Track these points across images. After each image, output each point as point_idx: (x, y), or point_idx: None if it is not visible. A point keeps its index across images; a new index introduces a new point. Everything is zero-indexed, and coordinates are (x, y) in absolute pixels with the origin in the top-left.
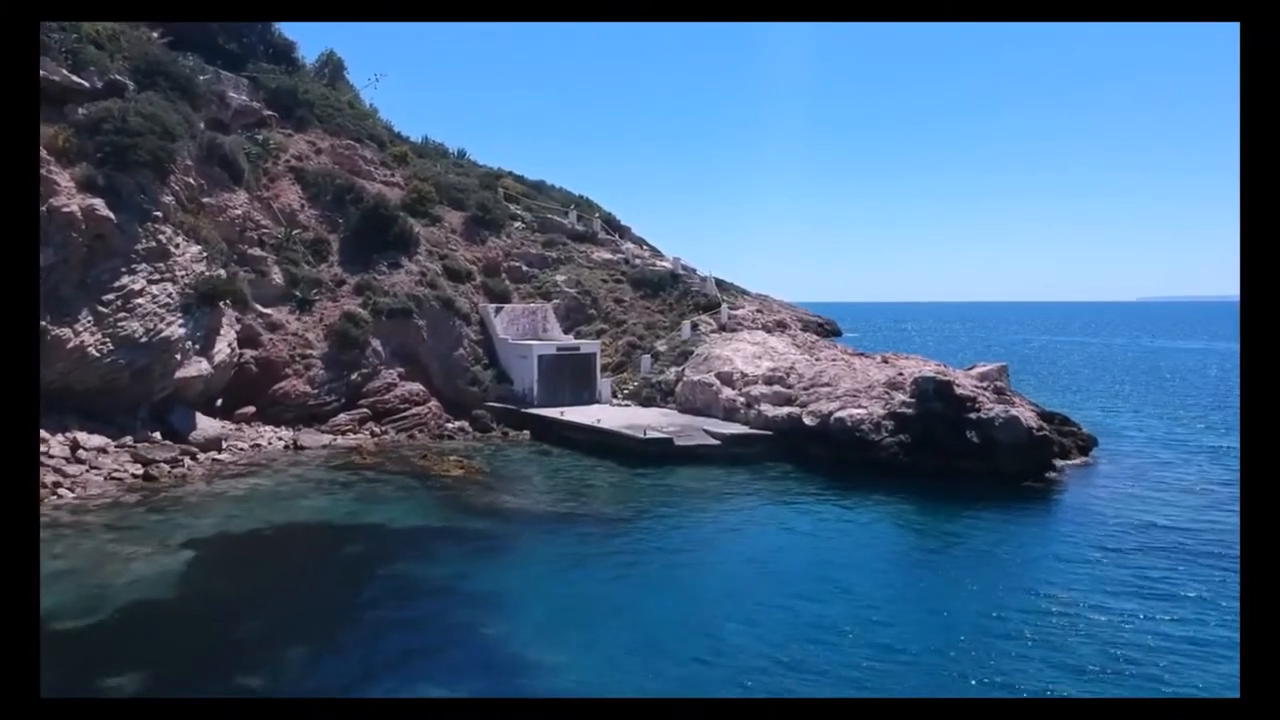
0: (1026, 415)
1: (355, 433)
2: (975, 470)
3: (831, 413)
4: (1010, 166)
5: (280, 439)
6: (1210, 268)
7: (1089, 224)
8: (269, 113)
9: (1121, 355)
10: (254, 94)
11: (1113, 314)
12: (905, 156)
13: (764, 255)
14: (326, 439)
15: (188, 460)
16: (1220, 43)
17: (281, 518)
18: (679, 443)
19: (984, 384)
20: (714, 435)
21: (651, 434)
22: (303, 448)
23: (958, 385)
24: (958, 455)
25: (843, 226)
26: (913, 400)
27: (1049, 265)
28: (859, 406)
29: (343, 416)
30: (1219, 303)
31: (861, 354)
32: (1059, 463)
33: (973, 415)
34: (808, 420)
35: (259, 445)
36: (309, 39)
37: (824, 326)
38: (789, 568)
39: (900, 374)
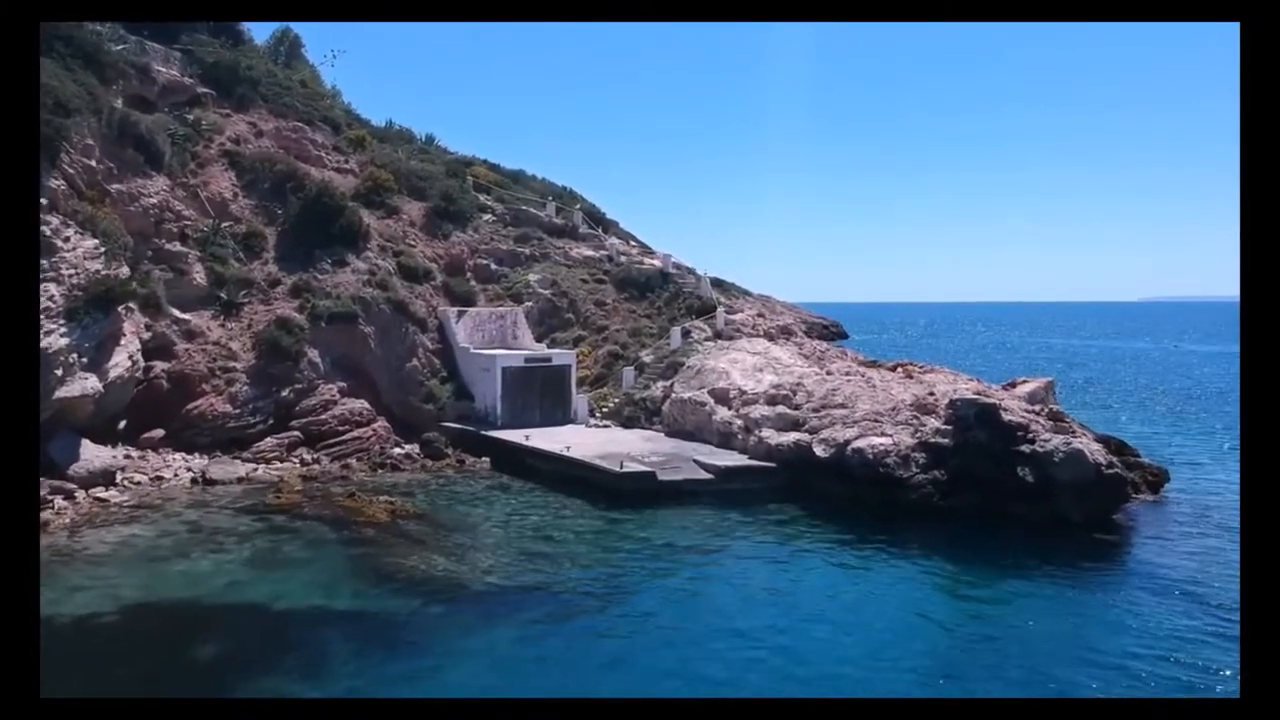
0: (1092, 448)
1: (283, 460)
2: (1029, 516)
3: (848, 441)
4: (1011, 166)
5: (190, 470)
6: (1213, 267)
7: (1089, 223)
8: (204, 90)
9: (1153, 361)
10: (187, 68)
11: (1118, 314)
12: (908, 156)
13: (765, 255)
14: (244, 470)
15: (59, 501)
16: (1220, 42)
17: (139, 591)
18: (663, 477)
19: (1035, 407)
20: (705, 467)
21: (629, 466)
22: (212, 482)
23: (1004, 409)
24: (1007, 497)
25: (844, 226)
26: (949, 427)
27: (1050, 265)
28: (882, 434)
29: (269, 441)
30: (1223, 303)
31: (873, 362)
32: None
33: (1025, 448)
34: (819, 450)
35: (162, 478)
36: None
37: (829, 329)
38: (786, 678)
39: (931, 393)
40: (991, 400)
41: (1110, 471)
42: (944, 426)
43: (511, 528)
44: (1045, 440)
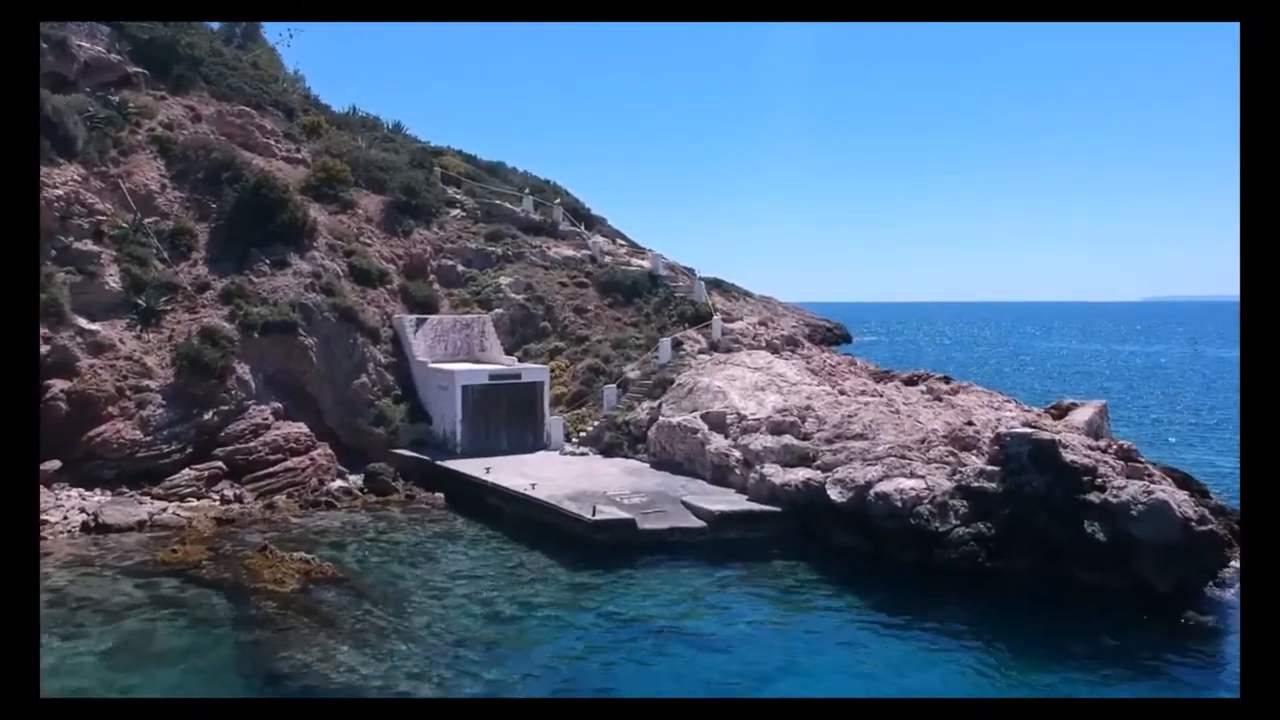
0: (1178, 498)
1: (200, 496)
2: (1101, 584)
3: (870, 483)
4: (1012, 165)
5: (84, 512)
6: (1216, 267)
7: (1091, 222)
8: (136, 69)
9: (1188, 370)
10: (115, 45)
11: (1122, 315)
12: (909, 154)
13: (766, 256)
14: (148, 511)
15: None
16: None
17: None
18: (644, 525)
19: (1101, 443)
20: (696, 511)
21: (604, 512)
22: (106, 528)
23: (1065, 448)
24: (1071, 559)
25: (844, 225)
26: (996, 468)
27: (1051, 264)
28: (912, 475)
29: (186, 473)
30: (1228, 302)
31: (886, 372)
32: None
33: (1093, 497)
34: (834, 493)
35: (47, 523)
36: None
37: (832, 331)
38: None
39: (969, 422)
40: (1049, 436)
41: (1203, 529)
42: (989, 467)
43: (451, 598)
44: (1118, 488)
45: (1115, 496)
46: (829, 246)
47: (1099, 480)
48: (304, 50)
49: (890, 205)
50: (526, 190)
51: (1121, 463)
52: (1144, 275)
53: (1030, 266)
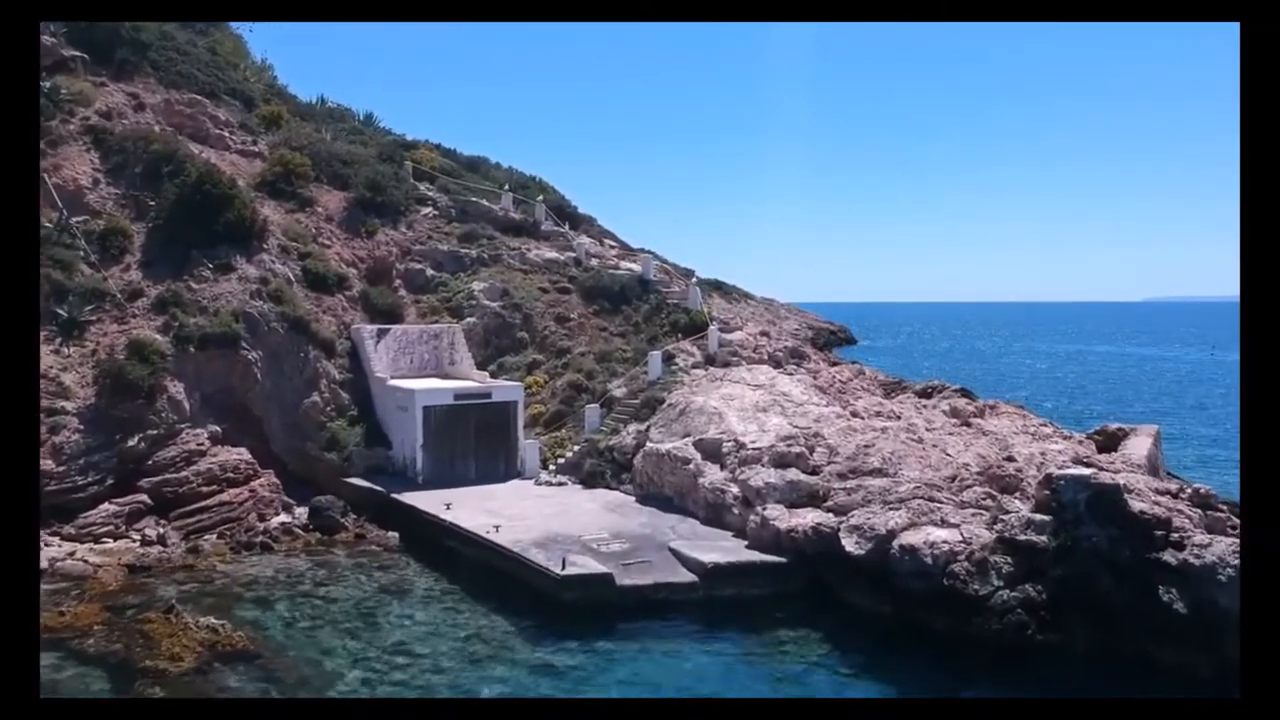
0: None
1: (118, 536)
2: (1183, 666)
3: (893, 532)
4: (1012, 165)
5: None
6: (1216, 267)
7: (1091, 222)
8: (74, 53)
9: (1215, 379)
10: (49, 25)
11: (1125, 316)
12: (909, 155)
13: (767, 256)
14: (50, 556)
15: None
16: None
17: None
18: (624, 580)
19: (1173, 489)
20: (686, 561)
21: (575, 565)
22: None
23: (1131, 493)
24: (1142, 633)
25: (844, 225)
26: (1047, 518)
27: (1051, 265)
28: (943, 523)
29: (105, 509)
30: (1230, 303)
31: (899, 383)
32: None
33: (1169, 557)
34: (850, 544)
35: None
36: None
37: (836, 335)
38: None
39: (1010, 457)
40: (1111, 479)
41: None
42: (1038, 516)
43: (384, 686)
44: (1200, 546)
45: (1197, 557)
46: (829, 247)
47: (1174, 535)
48: (282, 40)
49: (890, 206)
50: (506, 187)
51: (1199, 512)
52: (1144, 275)
53: (1030, 267)
